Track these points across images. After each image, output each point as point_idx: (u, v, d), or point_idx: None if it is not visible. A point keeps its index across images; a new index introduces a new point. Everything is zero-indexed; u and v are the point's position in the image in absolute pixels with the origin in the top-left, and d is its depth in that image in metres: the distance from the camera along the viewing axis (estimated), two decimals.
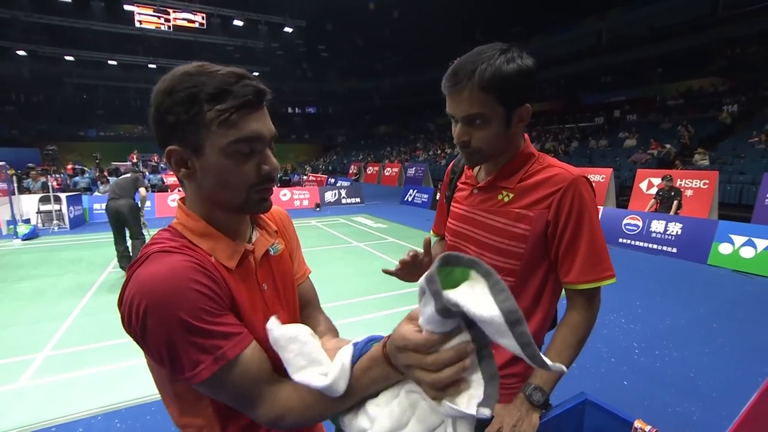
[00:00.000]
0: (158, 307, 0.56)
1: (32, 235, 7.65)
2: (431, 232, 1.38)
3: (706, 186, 8.19)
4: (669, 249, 6.50)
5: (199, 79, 0.61)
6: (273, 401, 0.63)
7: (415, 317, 0.54)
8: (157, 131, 0.64)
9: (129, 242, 5.29)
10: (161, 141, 0.65)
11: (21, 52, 28.59)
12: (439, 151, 23.09)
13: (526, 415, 0.91)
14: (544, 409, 0.94)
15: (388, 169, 20.94)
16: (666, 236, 6.59)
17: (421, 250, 1.11)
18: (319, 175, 20.44)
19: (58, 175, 14.16)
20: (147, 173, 13.54)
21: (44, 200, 8.61)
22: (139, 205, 5.26)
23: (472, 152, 0.98)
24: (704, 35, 18.50)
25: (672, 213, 7.05)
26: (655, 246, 6.69)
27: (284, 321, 0.71)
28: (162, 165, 16.47)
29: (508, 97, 0.91)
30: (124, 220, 5.09)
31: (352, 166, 24.21)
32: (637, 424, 0.87)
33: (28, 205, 8.73)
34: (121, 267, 5.37)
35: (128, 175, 5.52)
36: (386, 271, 1.20)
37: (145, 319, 0.56)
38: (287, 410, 0.63)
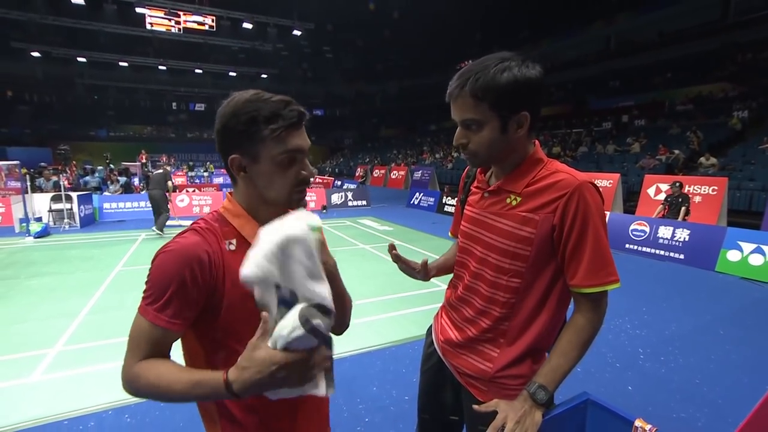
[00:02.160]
0: (165, 260, 0.79)
1: (44, 233, 7.78)
2: (449, 233, 1.43)
3: (715, 192, 8.12)
4: (676, 255, 6.46)
5: (257, 105, 0.80)
6: (140, 367, 0.77)
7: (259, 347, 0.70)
8: (222, 142, 0.84)
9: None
10: (224, 150, 0.84)
11: (35, 54, 29.12)
12: (445, 155, 23.09)
13: (529, 411, 0.93)
14: (546, 407, 0.96)
15: (395, 172, 20.98)
16: (673, 242, 6.55)
17: (427, 254, 1.14)
18: (325, 177, 20.53)
19: (67, 174, 14.36)
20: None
21: (56, 199, 8.76)
22: (167, 193, 7.90)
23: (470, 155, 1.05)
24: (714, 40, 18.35)
25: (680, 219, 7.00)
26: (662, 252, 6.64)
27: None
28: (171, 166, 16.57)
29: (500, 105, 0.95)
30: (157, 204, 7.84)
31: (359, 169, 24.27)
32: (638, 423, 0.89)
33: (40, 203, 8.88)
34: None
35: (160, 171, 8.14)
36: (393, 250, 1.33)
37: (158, 257, 0.80)
38: (140, 377, 0.76)
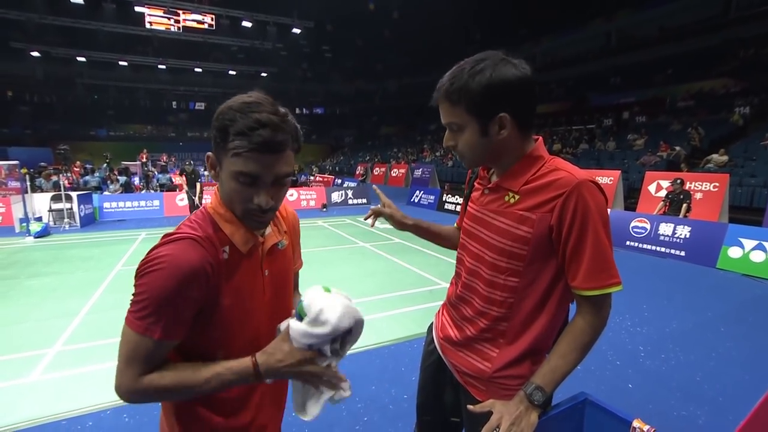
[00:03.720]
0: (166, 275, 0.75)
1: (44, 233, 7.78)
2: (455, 225, 1.44)
3: (716, 189, 8.09)
4: (677, 252, 6.44)
5: (234, 115, 0.78)
6: (149, 379, 0.78)
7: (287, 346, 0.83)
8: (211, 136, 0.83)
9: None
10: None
11: (35, 54, 29.10)
12: (446, 153, 23.04)
13: (525, 412, 0.92)
14: (543, 409, 0.95)
15: (395, 170, 20.93)
16: (674, 239, 6.53)
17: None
18: (325, 175, 20.51)
19: (69, 174, 14.35)
20: (156, 172, 13.69)
21: (56, 199, 8.75)
22: (197, 190, 9.19)
23: (460, 156, 1.06)
24: (716, 36, 18.26)
25: (681, 216, 6.98)
26: (662, 249, 6.62)
27: (276, 301, 0.97)
28: (171, 165, 16.53)
29: (475, 109, 0.94)
30: (192, 199, 9.31)
31: (359, 167, 24.22)
32: (636, 423, 0.88)
33: (41, 203, 8.88)
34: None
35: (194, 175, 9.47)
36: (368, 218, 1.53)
37: (154, 271, 0.76)
38: (153, 386, 0.78)
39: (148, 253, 0.79)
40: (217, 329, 0.85)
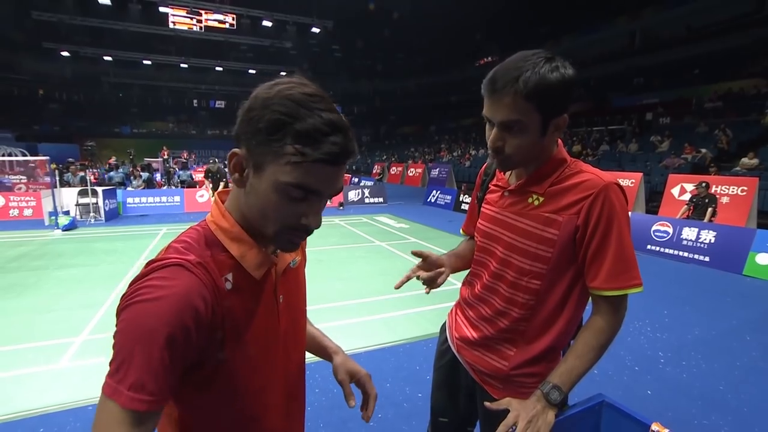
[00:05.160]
0: (146, 314, 0.57)
1: (71, 226, 8.07)
2: (461, 230, 1.41)
3: (744, 193, 7.82)
4: (701, 258, 6.25)
5: (297, 111, 0.59)
6: None
7: None
8: (238, 129, 0.64)
9: None
10: (236, 138, 0.65)
11: (64, 53, 30.22)
12: (463, 153, 22.89)
13: (542, 411, 0.92)
14: (560, 408, 0.95)
15: (412, 169, 20.92)
16: (698, 244, 6.34)
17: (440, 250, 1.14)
18: None
19: (95, 170, 14.81)
20: (177, 169, 14.02)
21: (83, 193, 9.07)
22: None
23: (504, 158, 1.00)
24: (748, 34, 17.58)
25: (706, 220, 6.77)
26: (685, 254, 6.44)
27: (292, 331, 0.80)
28: (191, 162, 16.85)
29: (548, 107, 0.92)
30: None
31: (376, 166, 24.25)
32: (655, 427, 0.87)
33: (68, 197, 9.21)
34: None
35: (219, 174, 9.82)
36: (416, 253, 1.18)
37: (132, 306, 0.58)
38: None
39: (130, 286, 0.61)
40: (222, 386, 0.67)
